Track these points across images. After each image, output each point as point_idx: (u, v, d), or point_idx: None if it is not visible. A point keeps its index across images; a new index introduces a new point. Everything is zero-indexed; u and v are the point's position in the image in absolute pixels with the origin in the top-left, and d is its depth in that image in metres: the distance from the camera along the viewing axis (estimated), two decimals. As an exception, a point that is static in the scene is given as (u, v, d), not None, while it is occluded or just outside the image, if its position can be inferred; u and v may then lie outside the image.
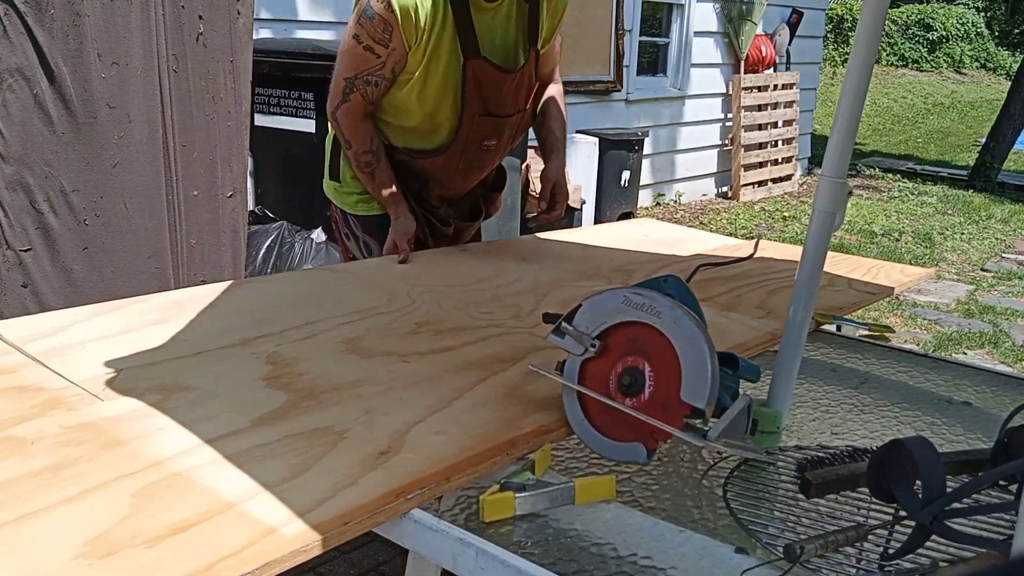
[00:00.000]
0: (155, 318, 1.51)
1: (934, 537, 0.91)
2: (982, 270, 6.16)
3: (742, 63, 8.01)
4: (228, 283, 1.75)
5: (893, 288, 2.14)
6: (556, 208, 2.19)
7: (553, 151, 2.21)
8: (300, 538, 0.88)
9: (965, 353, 4.28)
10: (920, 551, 0.92)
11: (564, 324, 1.19)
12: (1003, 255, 6.60)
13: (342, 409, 1.18)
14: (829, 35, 15.26)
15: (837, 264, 2.30)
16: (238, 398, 1.20)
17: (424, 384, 1.29)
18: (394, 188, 2.08)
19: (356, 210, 2.19)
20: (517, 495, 1.01)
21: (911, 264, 5.79)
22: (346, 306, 1.64)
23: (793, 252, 2.41)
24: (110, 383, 1.22)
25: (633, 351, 1.14)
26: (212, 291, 1.67)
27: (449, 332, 1.53)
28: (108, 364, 1.29)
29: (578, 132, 6.30)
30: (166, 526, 0.88)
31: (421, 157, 2.09)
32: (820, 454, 1.13)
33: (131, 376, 1.25)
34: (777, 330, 1.64)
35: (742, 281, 2.05)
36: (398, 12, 1.85)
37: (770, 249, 2.44)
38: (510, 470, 1.09)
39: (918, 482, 0.94)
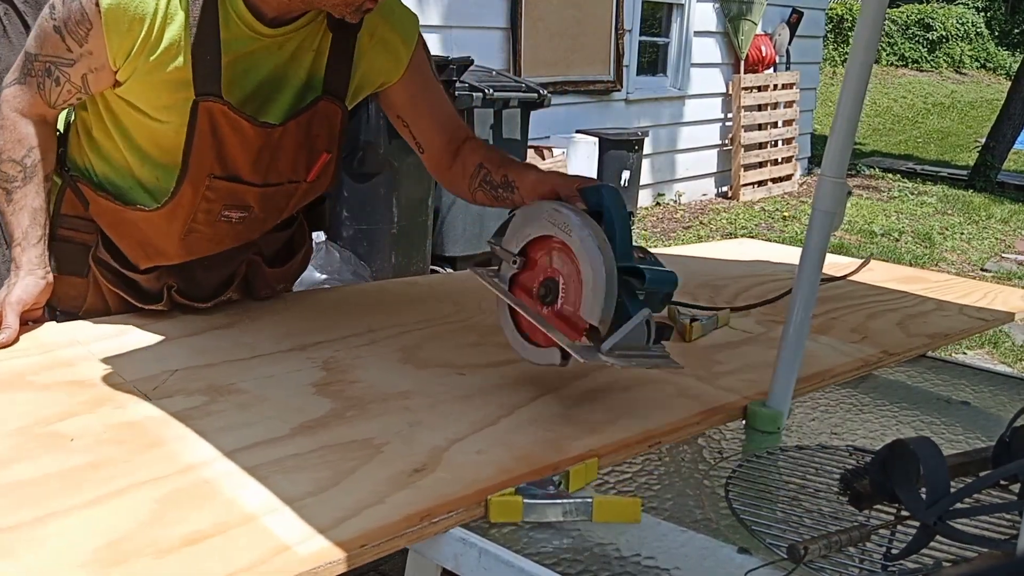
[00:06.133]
0: (222, 323, 1.51)
1: (937, 537, 0.91)
2: (982, 270, 6.16)
3: (742, 63, 8.02)
4: (296, 292, 1.76)
5: (1013, 314, 1.97)
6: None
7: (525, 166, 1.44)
8: (313, 558, 0.84)
9: (965, 353, 4.28)
10: (923, 551, 0.92)
11: (491, 242, 1.29)
12: (1003, 255, 6.61)
13: (385, 421, 1.15)
14: (829, 35, 15.26)
15: (951, 288, 2.15)
16: (284, 404, 1.18)
17: (475, 398, 1.25)
18: (28, 229, 1.40)
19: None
20: (526, 500, 0.97)
21: (911, 264, 5.80)
22: (412, 315, 1.62)
23: (907, 274, 2.30)
24: (161, 383, 1.22)
25: (551, 263, 1.22)
26: (280, 300, 1.67)
27: None
28: (164, 364, 1.29)
29: (578, 132, 6.30)
30: (180, 536, 0.85)
31: (131, 206, 1.42)
32: (857, 463, 1.11)
33: (184, 377, 1.25)
34: (871, 356, 1.59)
35: (841, 303, 1.92)
36: (104, 10, 1.25)
37: (879, 270, 2.31)
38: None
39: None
